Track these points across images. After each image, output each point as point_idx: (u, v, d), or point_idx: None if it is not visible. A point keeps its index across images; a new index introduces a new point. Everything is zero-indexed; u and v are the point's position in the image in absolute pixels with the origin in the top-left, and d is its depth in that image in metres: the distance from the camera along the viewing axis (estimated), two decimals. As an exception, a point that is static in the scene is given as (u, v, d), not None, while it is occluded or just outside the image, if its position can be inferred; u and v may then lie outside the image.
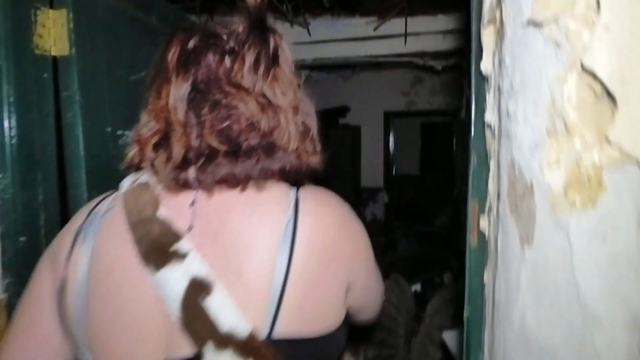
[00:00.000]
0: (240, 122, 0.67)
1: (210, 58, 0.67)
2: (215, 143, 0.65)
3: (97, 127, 1.35)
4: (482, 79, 0.75)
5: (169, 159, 0.66)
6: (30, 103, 1.24)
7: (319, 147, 0.78)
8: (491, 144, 0.71)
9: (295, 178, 0.76)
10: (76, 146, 1.31)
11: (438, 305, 2.57)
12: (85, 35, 1.29)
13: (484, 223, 0.76)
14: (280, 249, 0.63)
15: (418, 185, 6.35)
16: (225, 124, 0.66)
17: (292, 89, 0.73)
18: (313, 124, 0.76)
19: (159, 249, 0.64)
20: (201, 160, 0.65)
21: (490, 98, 0.71)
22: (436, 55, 3.37)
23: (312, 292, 0.64)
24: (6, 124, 1.21)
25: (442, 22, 3.02)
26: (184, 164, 0.65)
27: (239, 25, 0.71)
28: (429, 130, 6.67)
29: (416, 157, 6.78)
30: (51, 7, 1.25)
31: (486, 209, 0.75)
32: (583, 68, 0.52)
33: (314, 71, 4.89)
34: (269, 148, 0.68)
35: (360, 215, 5.53)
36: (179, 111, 0.65)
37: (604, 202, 0.53)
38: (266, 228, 0.65)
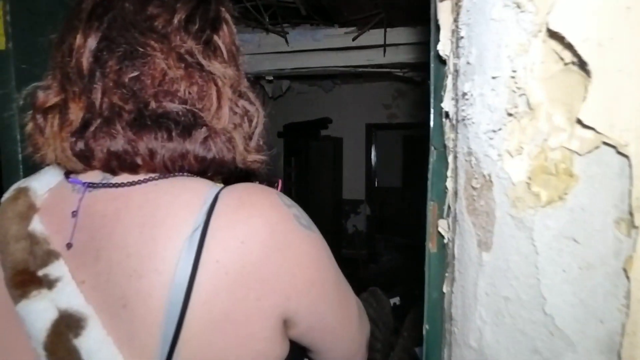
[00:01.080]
0: (154, 77, 0.53)
1: (129, 3, 0.55)
2: (116, 99, 0.52)
3: (38, 127, 1.26)
4: (440, 62, 0.66)
5: (64, 124, 0.53)
6: (-38, 98, 1.15)
7: (262, 146, 0.64)
8: (450, 135, 0.62)
9: (227, 175, 0.61)
10: (14, 148, 1.19)
11: (416, 318, 2.47)
12: (25, 29, 1.19)
13: (443, 227, 0.66)
14: (178, 270, 0.48)
15: (400, 197, 6.28)
16: (133, 74, 0.52)
17: (234, 66, 0.61)
18: (258, 118, 0.63)
19: (23, 273, 0.52)
20: (96, 123, 0.52)
21: (448, 83, 0.62)
22: (416, 66, 3.33)
23: (222, 327, 0.49)
24: None
25: (421, 33, 2.99)
26: (84, 129, 0.52)
27: None
28: (411, 143, 6.64)
29: (398, 169, 6.74)
30: (-16, -2, 1.16)
31: (445, 211, 0.65)
32: (549, 32, 0.43)
33: (295, 82, 4.83)
34: (189, 120, 0.54)
35: (341, 227, 5.46)
36: (83, 63, 0.53)
37: (575, 196, 0.44)
38: (163, 242, 0.49)
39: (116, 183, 0.54)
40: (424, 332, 0.73)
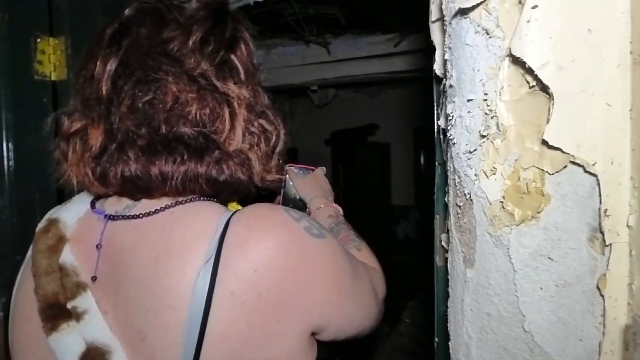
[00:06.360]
0: (166, 102, 0.53)
1: (145, 28, 0.56)
2: (130, 124, 0.53)
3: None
4: (438, 81, 0.68)
5: (85, 149, 0.55)
6: (29, 127, 1.28)
7: (278, 166, 0.64)
8: (446, 151, 0.63)
9: (243, 196, 0.63)
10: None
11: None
12: (85, 60, 1.34)
13: (444, 241, 0.67)
14: (192, 305, 0.48)
15: (454, 203, 6.10)
16: (146, 98, 0.53)
17: (250, 86, 0.60)
18: (278, 136, 0.63)
19: (54, 306, 0.54)
20: (111, 149, 0.53)
21: (443, 102, 0.63)
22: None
23: (242, 355, 0.49)
24: (4, 147, 1.26)
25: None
26: (101, 154, 0.54)
27: (193, 3, 0.59)
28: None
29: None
30: (51, 34, 1.30)
31: (446, 226, 0.67)
32: (512, 57, 0.44)
33: (340, 89, 4.88)
34: (201, 144, 0.54)
35: (391, 232, 5.40)
36: (102, 89, 0.54)
37: (549, 214, 0.44)
38: (176, 277, 0.50)
39: (134, 215, 0.56)
40: (435, 345, 0.74)
